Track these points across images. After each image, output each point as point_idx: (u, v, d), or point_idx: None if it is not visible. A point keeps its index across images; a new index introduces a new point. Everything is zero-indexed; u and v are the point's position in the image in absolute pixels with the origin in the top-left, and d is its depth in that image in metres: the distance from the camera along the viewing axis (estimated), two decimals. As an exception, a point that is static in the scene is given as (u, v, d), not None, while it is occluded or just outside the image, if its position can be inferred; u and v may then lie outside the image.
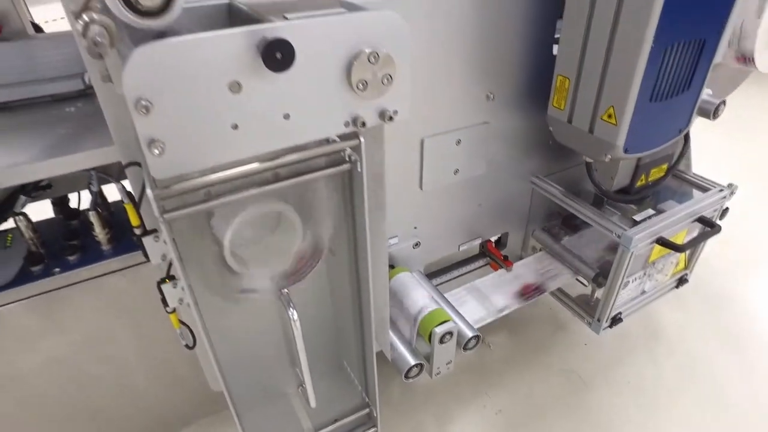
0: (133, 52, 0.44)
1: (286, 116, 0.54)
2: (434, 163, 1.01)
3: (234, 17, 0.68)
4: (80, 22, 0.49)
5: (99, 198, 0.89)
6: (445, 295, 1.11)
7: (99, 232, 0.85)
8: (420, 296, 1.01)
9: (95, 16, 0.50)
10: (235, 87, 0.50)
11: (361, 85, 0.56)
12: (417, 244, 1.10)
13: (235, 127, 0.52)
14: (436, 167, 1.02)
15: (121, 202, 0.94)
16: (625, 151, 0.94)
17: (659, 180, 1.15)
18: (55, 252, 0.86)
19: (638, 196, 1.14)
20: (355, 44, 0.54)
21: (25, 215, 0.84)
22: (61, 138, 0.79)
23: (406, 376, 0.97)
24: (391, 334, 1.01)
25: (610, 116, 0.91)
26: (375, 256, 0.76)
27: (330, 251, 0.80)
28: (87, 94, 0.96)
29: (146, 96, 0.46)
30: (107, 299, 0.88)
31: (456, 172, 1.06)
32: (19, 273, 0.83)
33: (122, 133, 0.70)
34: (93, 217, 0.84)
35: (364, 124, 0.59)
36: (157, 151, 0.49)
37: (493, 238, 1.29)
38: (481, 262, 1.30)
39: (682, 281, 1.28)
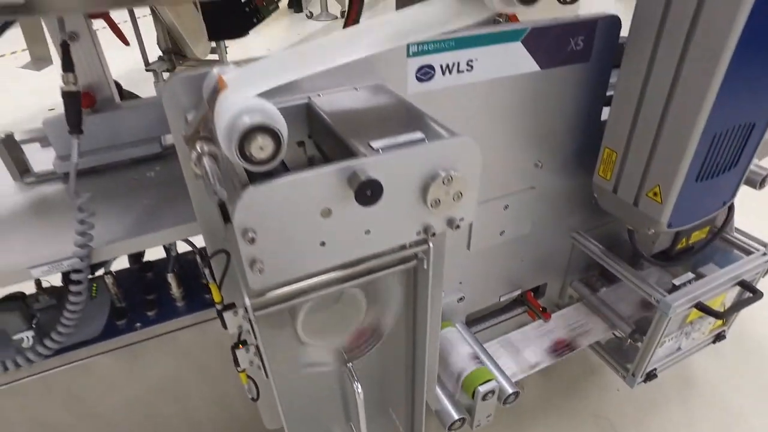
0: (244, 193, 0.51)
1: (367, 231, 0.61)
2: (482, 227, 1.07)
3: (312, 119, 0.74)
4: (194, 153, 0.57)
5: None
6: (485, 345, 1.16)
7: (175, 291, 0.93)
8: (464, 353, 1.06)
9: (205, 147, 0.57)
10: (326, 212, 0.57)
11: (434, 203, 0.62)
12: (461, 299, 1.16)
13: (323, 244, 0.59)
14: (483, 230, 1.07)
15: (192, 254, 1.02)
16: (669, 225, 0.97)
17: (701, 246, 1.17)
18: (135, 306, 0.95)
19: (678, 261, 1.17)
20: (433, 168, 0.60)
21: (111, 273, 0.93)
22: (147, 209, 0.87)
23: (449, 429, 1.03)
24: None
25: (655, 194, 0.95)
26: (431, 325, 0.82)
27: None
28: (164, 155, 1.04)
29: (252, 227, 0.53)
30: (180, 350, 0.96)
31: (502, 233, 1.11)
32: (105, 326, 0.92)
33: (208, 221, 0.78)
34: (171, 278, 0.92)
35: (434, 234, 0.65)
36: (258, 270, 0.56)
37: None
38: (519, 310, 1.35)
39: (719, 337, 1.30)
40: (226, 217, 0.74)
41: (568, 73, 0.97)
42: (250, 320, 0.65)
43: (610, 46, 0.98)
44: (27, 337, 0.85)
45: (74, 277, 0.76)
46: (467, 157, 0.61)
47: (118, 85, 1.15)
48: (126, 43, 1.53)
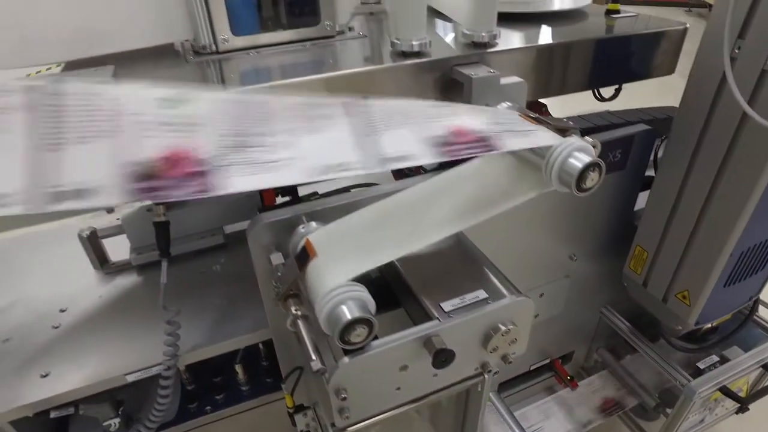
0: (340, 364, 0.60)
1: (435, 375, 0.69)
2: (518, 314, 1.15)
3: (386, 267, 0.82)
4: (290, 317, 0.65)
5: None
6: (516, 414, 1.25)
7: (241, 378, 1.03)
8: (498, 430, 1.15)
9: (299, 311, 0.66)
10: (404, 368, 0.65)
11: (493, 350, 0.70)
12: (495, 373, 1.24)
13: (398, 388, 0.68)
14: (519, 316, 1.15)
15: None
16: (696, 323, 1.04)
17: (728, 334, 1.22)
18: (204, 389, 1.04)
19: (703, 343, 1.23)
20: (493, 323, 0.68)
21: (184, 362, 1.02)
22: (220, 311, 0.96)
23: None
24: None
25: (684, 297, 1.02)
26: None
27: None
28: (226, 245, 1.13)
29: (344, 387, 0.62)
30: (244, 429, 1.06)
31: (536, 316, 1.18)
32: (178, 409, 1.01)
33: (281, 335, 0.87)
34: (239, 368, 1.01)
35: (490, 370, 0.73)
36: (346, 417, 0.65)
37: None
38: (546, 375, 1.43)
39: (742, 409, 1.36)
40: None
41: (605, 181, 1.04)
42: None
43: (646, 154, 1.05)
44: (114, 423, 0.95)
45: (162, 383, 0.86)
46: (524, 312, 0.70)
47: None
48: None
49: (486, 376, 0.76)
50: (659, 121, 1.36)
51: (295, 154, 0.51)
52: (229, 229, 1.16)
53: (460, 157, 0.58)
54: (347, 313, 0.56)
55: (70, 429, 0.99)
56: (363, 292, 0.59)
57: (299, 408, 0.88)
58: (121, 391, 0.99)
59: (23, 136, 0.44)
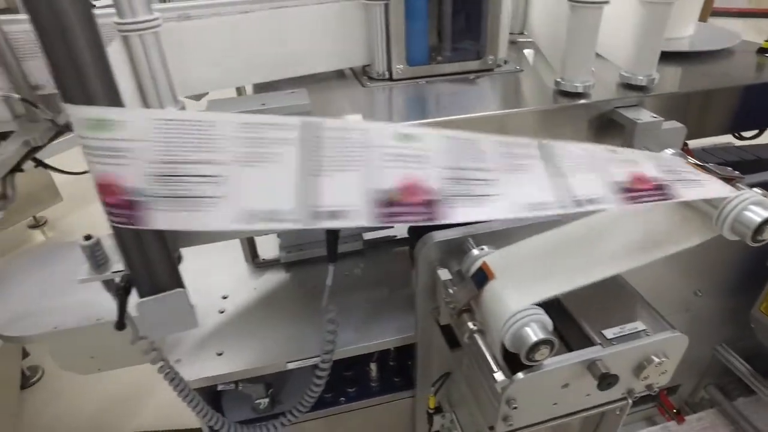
0: (516, 379, 0.67)
1: (588, 395, 0.75)
2: (637, 343, 1.17)
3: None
4: (466, 333, 0.73)
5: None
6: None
7: (374, 376, 1.13)
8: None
9: (476, 327, 0.74)
10: (565, 386, 0.72)
11: (644, 378, 0.75)
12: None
13: (555, 404, 0.74)
14: (637, 346, 1.17)
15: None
16: (835, 374, 1.02)
17: None
18: (338, 381, 1.15)
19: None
20: (648, 354, 0.73)
21: (323, 352, 1.14)
22: (366, 313, 1.06)
23: None
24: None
25: (824, 346, 1.00)
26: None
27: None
28: (363, 251, 1.24)
29: (514, 398, 0.69)
30: (369, 422, 1.16)
31: (653, 347, 1.20)
32: (316, 396, 1.13)
33: (427, 339, 0.95)
34: (373, 366, 1.11)
35: (636, 397, 0.78)
36: (509, 424, 0.72)
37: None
38: (649, 404, 1.42)
39: None
40: (452, 344, 0.90)
41: (744, 221, 1.05)
42: None
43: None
44: (263, 402, 1.08)
45: (319, 374, 0.96)
46: (677, 347, 0.74)
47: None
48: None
49: (629, 401, 0.80)
50: (794, 159, 1.33)
51: (504, 189, 0.57)
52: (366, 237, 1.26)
53: (638, 204, 0.61)
54: (533, 334, 0.63)
55: (223, 399, 1.12)
56: (544, 315, 0.66)
57: (437, 409, 0.97)
58: (269, 375, 1.13)
59: (296, 164, 0.53)
